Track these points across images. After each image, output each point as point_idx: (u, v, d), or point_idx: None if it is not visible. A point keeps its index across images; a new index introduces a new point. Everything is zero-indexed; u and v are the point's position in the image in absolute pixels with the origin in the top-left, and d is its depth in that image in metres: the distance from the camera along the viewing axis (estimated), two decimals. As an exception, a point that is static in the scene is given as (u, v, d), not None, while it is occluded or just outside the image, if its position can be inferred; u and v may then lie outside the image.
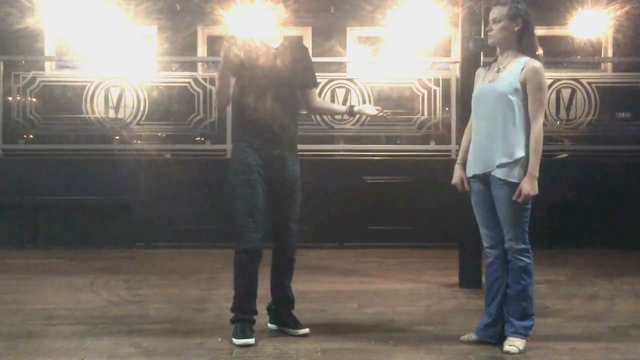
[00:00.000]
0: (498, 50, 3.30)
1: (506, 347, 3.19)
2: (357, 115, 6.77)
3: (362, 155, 6.99)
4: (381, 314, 4.01)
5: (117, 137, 7.19)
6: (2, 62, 6.92)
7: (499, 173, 3.17)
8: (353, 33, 8.17)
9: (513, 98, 3.15)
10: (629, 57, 7.71)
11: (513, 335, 3.21)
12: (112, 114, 7.06)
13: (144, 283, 4.96)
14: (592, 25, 7.44)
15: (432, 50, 7.82)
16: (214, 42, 8.12)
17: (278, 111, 3.38)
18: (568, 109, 7.14)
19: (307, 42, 7.93)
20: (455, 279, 4.83)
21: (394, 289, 4.76)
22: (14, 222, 6.75)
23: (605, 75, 7.69)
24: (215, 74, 3.30)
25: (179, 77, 7.40)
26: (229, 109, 6.49)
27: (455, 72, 6.63)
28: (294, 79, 3.47)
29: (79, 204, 6.73)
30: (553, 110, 7.06)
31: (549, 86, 6.94)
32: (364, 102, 6.93)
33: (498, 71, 3.24)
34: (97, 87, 7.05)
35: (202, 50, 8.16)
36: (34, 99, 7.10)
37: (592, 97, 7.12)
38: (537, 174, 3.11)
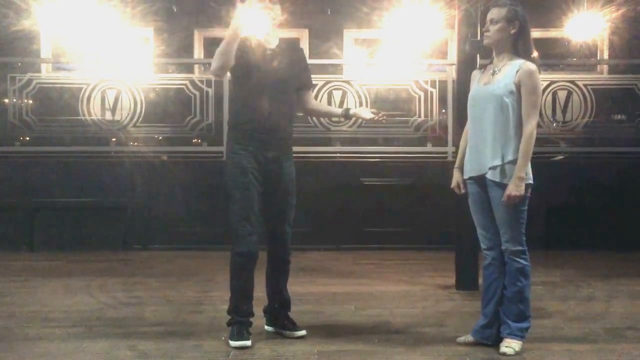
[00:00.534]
0: (494, 52, 3.31)
1: (502, 349, 3.19)
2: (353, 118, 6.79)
3: (359, 157, 6.99)
4: (378, 315, 4.01)
5: (114, 139, 7.18)
6: (-2, 64, 6.93)
7: (491, 175, 3.18)
8: (350, 35, 8.18)
9: (508, 100, 3.16)
10: (624, 59, 7.74)
11: (509, 336, 3.22)
12: (108, 116, 7.05)
13: (141, 285, 4.95)
14: (588, 27, 7.46)
15: (429, 52, 7.84)
16: (210, 44, 8.12)
17: (275, 113, 3.36)
18: (564, 111, 7.16)
19: (304, 44, 7.94)
20: (452, 280, 4.84)
21: (391, 291, 4.76)
22: (10, 225, 6.72)
23: (601, 78, 7.71)
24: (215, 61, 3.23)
25: (176, 79, 7.39)
26: (224, 110, 6.49)
27: (451, 74, 6.64)
28: (291, 80, 3.47)
29: (76, 206, 6.72)
30: (549, 112, 7.08)
31: (545, 88, 6.97)
32: (361, 104, 6.94)
33: (493, 74, 3.25)
34: (93, 89, 7.04)
35: (198, 52, 8.16)
36: (30, 101, 7.08)
37: (588, 99, 7.14)
38: (523, 175, 3.11)
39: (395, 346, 3.34)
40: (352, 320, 3.92)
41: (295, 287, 4.48)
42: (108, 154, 7.08)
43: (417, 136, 7.09)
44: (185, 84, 7.11)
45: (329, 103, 6.97)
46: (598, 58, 8.07)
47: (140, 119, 7.01)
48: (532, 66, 3.17)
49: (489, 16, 3.26)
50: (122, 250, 6.58)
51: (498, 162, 3.16)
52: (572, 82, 7.18)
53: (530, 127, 3.14)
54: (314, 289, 4.79)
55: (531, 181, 3.17)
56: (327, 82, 7.06)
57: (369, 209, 6.71)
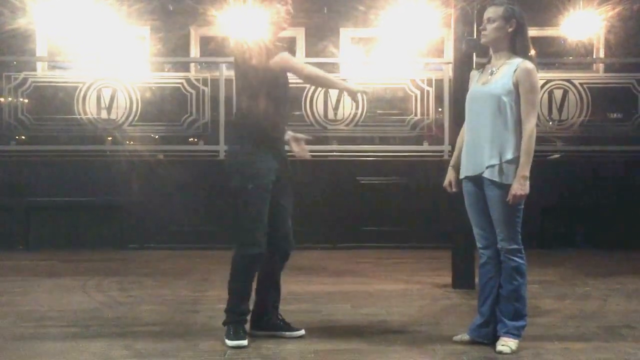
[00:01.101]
0: (491, 51, 3.31)
1: (499, 347, 3.19)
2: (349, 114, 6.83)
3: (355, 156, 6.99)
4: (374, 314, 4.01)
5: (110, 138, 7.17)
6: (-7, 63, 6.91)
7: (488, 174, 3.18)
8: (346, 34, 8.18)
9: (506, 99, 3.16)
10: (620, 58, 7.76)
11: (506, 335, 3.22)
12: (104, 114, 7.03)
13: (136, 284, 4.94)
14: (583, 26, 7.48)
15: (425, 51, 7.84)
16: (206, 43, 8.11)
17: (287, 112, 3.49)
18: (560, 110, 7.17)
19: (301, 43, 7.93)
20: (448, 279, 4.84)
21: (387, 290, 4.76)
22: (5, 224, 6.72)
23: (597, 76, 7.73)
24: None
25: (172, 78, 7.39)
26: (220, 109, 6.47)
27: (448, 72, 6.65)
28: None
29: (71, 205, 6.70)
30: (545, 111, 7.09)
31: (541, 87, 6.96)
32: (356, 103, 6.93)
33: (491, 73, 3.25)
34: (89, 87, 7.03)
35: (195, 51, 8.15)
36: (26, 100, 7.07)
37: (584, 97, 7.15)
38: (527, 174, 3.12)
39: (392, 345, 3.34)
40: (348, 319, 3.92)
41: (291, 286, 4.49)
42: (104, 152, 7.07)
43: (413, 135, 7.10)
44: (182, 83, 7.10)
45: (326, 102, 6.98)
46: (594, 57, 8.09)
47: (136, 118, 7.00)
48: (530, 65, 3.17)
49: (486, 15, 3.26)
50: (118, 250, 6.57)
51: (496, 161, 3.16)
52: (568, 80, 7.20)
53: (530, 126, 3.14)
54: (310, 288, 4.79)
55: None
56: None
57: (365, 208, 6.72)
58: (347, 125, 7.03)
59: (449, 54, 6.91)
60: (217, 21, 7.12)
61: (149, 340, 3.42)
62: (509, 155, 3.15)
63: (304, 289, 4.67)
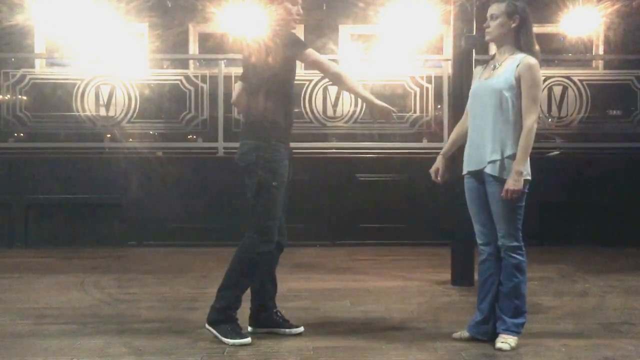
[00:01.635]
0: (495, 47, 3.30)
1: (498, 344, 3.19)
2: (348, 111, 6.81)
3: (355, 153, 6.98)
4: (374, 311, 4.01)
5: (108, 135, 7.16)
6: (-9, 60, 6.90)
7: (490, 169, 3.18)
8: (345, 30, 8.16)
9: (508, 94, 3.15)
10: (619, 55, 7.74)
11: (505, 332, 3.22)
12: (103, 111, 7.03)
13: (135, 282, 4.94)
14: (583, 22, 7.46)
15: (424, 48, 7.82)
16: (205, 40, 8.09)
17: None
18: (560, 107, 7.17)
19: (300, 40, 7.90)
20: (448, 276, 4.84)
21: (387, 287, 4.75)
22: (4, 221, 6.71)
23: (596, 73, 7.72)
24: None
25: (171, 75, 7.37)
26: (219, 106, 6.43)
27: (447, 69, 6.63)
28: None
29: (70, 202, 6.70)
30: (545, 107, 7.08)
31: (541, 84, 6.97)
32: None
33: (494, 68, 3.25)
34: (87, 84, 7.02)
35: (193, 48, 8.12)
36: (24, 97, 7.06)
37: (584, 94, 7.15)
38: (522, 170, 3.10)
39: (391, 342, 3.33)
40: (347, 316, 3.91)
41: (290, 283, 4.49)
42: (102, 150, 7.06)
43: (412, 132, 7.09)
44: (180, 80, 7.09)
45: (325, 99, 6.97)
46: (593, 53, 8.07)
47: (135, 115, 6.99)
48: (533, 60, 3.16)
49: (489, 12, 3.25)
50: (117, 247, 6.56)
51: (497, 156, 3.15)
52: (567, 77, 7.19)
53: (530, 122, 3.13)
54: (309, 285, 4.78)
55: (529, 177, 3.16)
56: (323, 78, 7.03)
57: (364, 205, 6.71)
58: (346, 122, 7.02)
59: (448, 51, 6.88)
60: (216, 18, 7.09)
61: (148, 337, 3.41)
62: (510, 151, 3.14)
63: (302, 286, 4.67)
